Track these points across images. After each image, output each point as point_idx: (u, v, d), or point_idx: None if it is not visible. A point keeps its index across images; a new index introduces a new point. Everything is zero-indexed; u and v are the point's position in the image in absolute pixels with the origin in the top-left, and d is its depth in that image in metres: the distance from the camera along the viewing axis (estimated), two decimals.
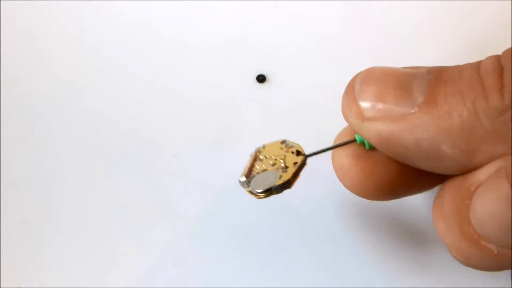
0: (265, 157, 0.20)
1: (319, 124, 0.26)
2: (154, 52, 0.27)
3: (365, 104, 0.16)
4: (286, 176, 0.19)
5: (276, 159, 0.20)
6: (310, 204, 0.25)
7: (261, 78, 0.27)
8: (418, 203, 0.25)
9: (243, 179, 0.20)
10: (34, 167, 0.26)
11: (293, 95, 0.27)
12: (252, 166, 0.20)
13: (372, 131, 0.16)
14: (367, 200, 0.25)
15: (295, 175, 0.19)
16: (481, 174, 0.14)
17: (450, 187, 0.16)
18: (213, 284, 0.24)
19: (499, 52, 0.21)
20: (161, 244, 0.25)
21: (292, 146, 0.20)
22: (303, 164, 0.19)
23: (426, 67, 0.17)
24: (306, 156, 0.19)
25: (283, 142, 0.20)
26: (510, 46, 0.21)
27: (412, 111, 0.15)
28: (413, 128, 0.15)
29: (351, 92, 0.17)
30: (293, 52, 0.27)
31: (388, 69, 0.17)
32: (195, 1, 0.28)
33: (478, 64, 0.15)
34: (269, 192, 0.19)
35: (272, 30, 0.27)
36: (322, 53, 0.27)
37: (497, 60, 0.15)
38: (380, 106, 0.16)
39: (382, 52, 0.27)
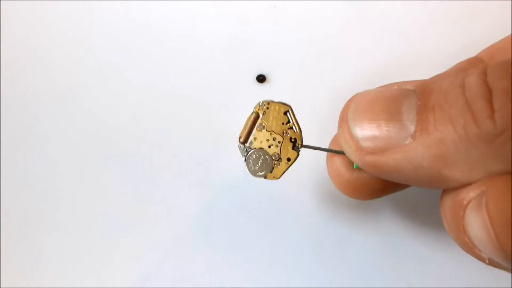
0: (265, 127, 0.20)
1: (319, 123, 0.26)
2: (154, 53, 0.27)
3: (362, 140, 0.16)
4: (277, 173, 0.20)
5: (274, 138, 0.20)
6: (311, 203, 0.25)
7: (261, 78, 0.27)
8: (419, 203, 0.25)
9: (242, 146, 0.20)
10: (34, 167, 0.26)
11: (293, 95, 0.27)
12: (250, 130, 0.20)
13: (373, 164, 0.16)
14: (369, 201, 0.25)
15: (285, 171, 0.20)
16: (471, 191, 0.15)
17: (447, 197, 0.16)
18: (213, 284, 0.24)
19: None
20: (160, 243, 0.24)
21: (292, 128, 0.20)
22: (295, 159, 0.20)
23: (412, 83, 0.17)
24: (301, 147, 0.20)
25: (286, 113, 0.20)
26: (510, 46, 0.21)
27: (407, 142, 0.15)
28: (411, 159, 0.15)
29: (346, 128, 0.17)
30: (293, 52, 0.27)
31: (376, 96, 0.17)
32: (195, 1, 0.28)
33: (462, 84, 0.15)
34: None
35: (272, 30, 0.27)
36: (322, 53, 0.27)
37: (483, 80, 0.14)
38: (376, 140, 0.16)
39: (382, 52, 0.27)
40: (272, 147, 0.20)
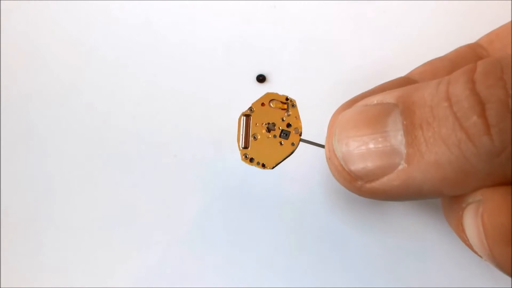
0: (259, 129, 0.20)
1: (319, 123, 0.26)
2: (154, 53, 0.27)
3: (355, 169, 0.16)
4: (272, 161, 0.19)
5: (275, 136, 0.20)
6: (311, 203, 0.25)
7: (261, 78, 0.27)
8: (420, 202, 0.25)
9: (244, 155, 0.20)
10: (34, 167, 0.26)
11: (293, 95, 0.27)
12: (247, 133, 0.20)
13: (372, 193, 0.16)
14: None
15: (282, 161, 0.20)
16: (469, 197, 0.14)
17: (449, 198, 0.16)
18: (213, 284, 0.24)
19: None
20: (161, 244, 0.24)
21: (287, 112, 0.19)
22: (296, 147, 0.20)
23: (392, 94, 0.15)
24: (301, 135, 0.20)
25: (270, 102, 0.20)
26: (510, 46, 0.21)
27: (401, 167, 0.14)
28: (410, 185, 0.14)
29: (336, 160, 0.16)
30: (293, 52, 0.27)
31: (358, 118, 0.16)
32: (195, 1, 0.28)
33: (446, 95, 0.13)
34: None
35: (272, 30, 0.27)
36: (322, 53, 0.27)
37: (470, 89, 0.13)
38: (369, 167, 0.15)
39: (382, 52, 0.27)
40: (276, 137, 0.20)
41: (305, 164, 0.25)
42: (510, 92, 0.12)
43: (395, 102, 0.15)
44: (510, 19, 0.25)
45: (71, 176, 0.26)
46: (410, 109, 0.14)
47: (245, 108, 0.20)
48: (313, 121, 0.26)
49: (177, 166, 0.25)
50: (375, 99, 0.16)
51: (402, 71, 0.23)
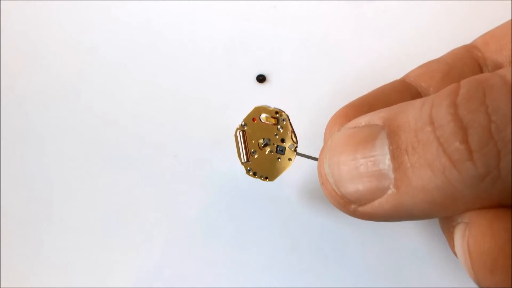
0: (257, 146, 0.20)
1: (319, 123, 0.26)
2: (154, 53, 0.27)
3: (346, 192, 0.16)
4: (274, 175, 0.20)
5: (271, 151, 0.20)
6: (311, 204, 0.25)
7: (261, 78, 0.27)
8: None
9: (247, 168, 0.20)
10: (34, 168, 0.26)
11: (293, 95, 0.27)
12: (246, 147, 0.20)
13: (365, 215, 0.16)
14: None
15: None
16: (459, 217, 0.14)
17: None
18: (213, 284, 0.24)
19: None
20: (161, 244, 0.24)
21: (278, 127, 0.20)
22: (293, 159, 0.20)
23: (379, 115, 0.15)
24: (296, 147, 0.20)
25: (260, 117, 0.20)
26: (510, 45, 0.21)
27: (390, 192, 0.14)
28: (400, 209, 0.14)
29: (328, 185, 0.16)
30: (293, 52, 0.27)
31: (347, 142, 0.16)
32: (195, 1, 0.28)
33: (430, 119, 0.13)
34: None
35: (272, 30, 0.27)
36: (322, 53, 0.27)
37: (452, 114, 0.13)
38: (360, 191, 0.15)
39: (382, 52, 0.27)
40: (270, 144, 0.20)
41: (305, 165, 0.25)
42: (492, 117, 0.12)
43: (382, 124, 0.15)
44: (510, 19, 0.25)
45: (71, 176, 0.26)
46: (395, 133, 0.14)
47: (244, 108, 0.20)
48: (313, 121, 0.26)
49: (177, 166, 0.26)
50: (363, 121, 0.16)
51: (401, 71, 0.23)
